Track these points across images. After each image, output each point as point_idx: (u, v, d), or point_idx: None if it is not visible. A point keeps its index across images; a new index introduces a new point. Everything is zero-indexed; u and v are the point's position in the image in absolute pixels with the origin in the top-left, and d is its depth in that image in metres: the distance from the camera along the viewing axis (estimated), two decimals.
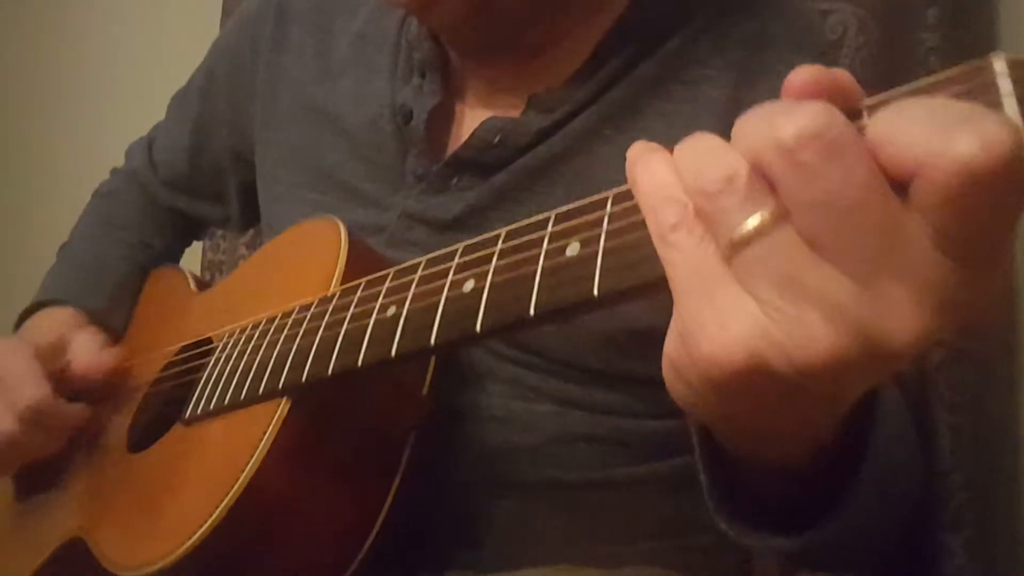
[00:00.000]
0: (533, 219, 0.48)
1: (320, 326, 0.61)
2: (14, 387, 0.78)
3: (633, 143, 0.40)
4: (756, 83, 0.70)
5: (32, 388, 0.77)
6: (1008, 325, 0.98)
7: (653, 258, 0.36)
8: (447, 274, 0.52)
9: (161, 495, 0.68)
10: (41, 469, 0.84)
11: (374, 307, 0.56)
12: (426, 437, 0.66)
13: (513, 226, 0.49)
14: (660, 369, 0.38)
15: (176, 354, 0.80)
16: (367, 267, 0.63)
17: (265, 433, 0.60)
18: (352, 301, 0.59)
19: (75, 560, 0.73)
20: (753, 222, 0.33)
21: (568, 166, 0.71)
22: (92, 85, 1.91)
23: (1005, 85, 0.31)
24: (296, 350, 0.61)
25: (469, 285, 0.49)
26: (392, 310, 0.55)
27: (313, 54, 0.87)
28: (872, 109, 0.34)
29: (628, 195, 0.41)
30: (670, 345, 0.36)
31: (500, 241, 0.49)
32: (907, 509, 0.58)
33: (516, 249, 0.47)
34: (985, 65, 0.32)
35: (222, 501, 0.59)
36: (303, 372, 0.59)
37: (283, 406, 0.61)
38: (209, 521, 0.59)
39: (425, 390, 0.67)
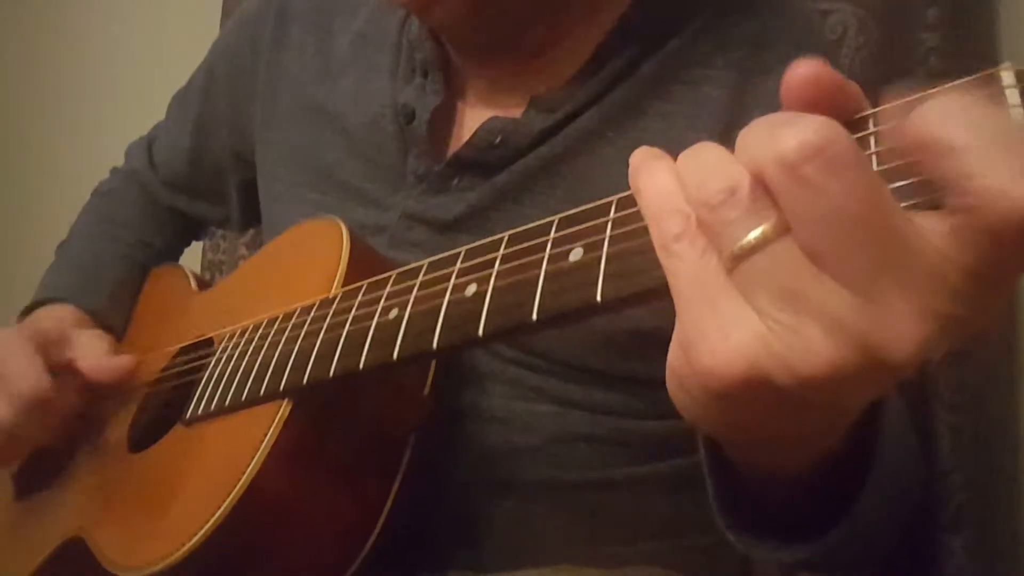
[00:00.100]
0: (536, 224, 0.48)
1: (322, 328, 0.61)
2: (13, 378, 0.77)
3: (635, 147, 0.40)
4: (757, 83, 0.70)
5: (32, 380, 0.77)
6: (1008, 325, 0.99)
7: (656, 265, 0.36)
8: (449, 278, 0.52)
9: (162, 495, 0.68)
10: (41, 468, 0.84)
11: (376, 310, 0.56)
12: (427, 438, 0.66)
13: (516, 230, 0.49)
14: (661, 370, 0.38)
15: (176, 354, 0.80)
16: (369, 268, 0.63)
17: (266, 434, 0.60)
18: (354, 304, 0.59)
19: (75, 560, 0.73)
20: (755, 234, 0.33)
21: (569, 167, 0.71)
22: (92, 85, 1.91)
23: (1013, 97, 0.31)
24: (297, 352, 0.61)
25: (471, 289, 0.49)
26: (394, 313, 0.55)
27: (313, 54, 0.86)
28: (877, 119, 0.34)
29: (631, 201, 0.41)
30: (672, 355, 0.37)
31: (503, 245, 0.49)
32: (908, 511, 0.58)
33: (519, 254, 0.47)
34: (993, 76, 0.32)
35: (223, 502, 0.59)
36: (304, 374, 0.59)
37: (284, 407, 0.61)
38: (210, 522, 0.59)
39: (426, 391, 0.67)
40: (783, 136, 0.32)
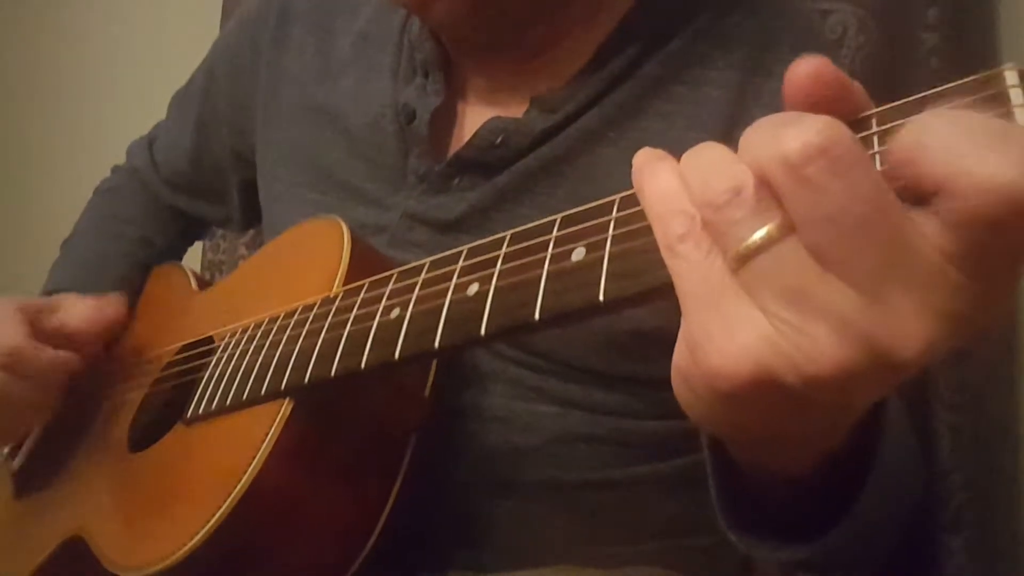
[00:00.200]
0: (538, 223, 0.47)
1: (323, 327, 0.61)
2: None
3: (636, 147, 0.40)
4: (758, 84, 0.70)
5: (9, 336, 0.77)
6: (1008, 325, 0.99)
7: (659, 264, 0.36)
8: (451, 277, 0.51)
9: (162, 495, 0.68)
10: (41, 467, 0.84)
11: (377, 309, 0.56)
12: (428, 438, 0.66)
13: (518, 230, 0.49)
14: (662, 370, 0.38)
15: (177, 353, 0.80)
16: (370, 268, 0.63)
17: (267, 434, 0.60)
18: (355, 303, 0.59)
19: (75, 560, 0.73)
20: (760, 234, 0.33)
21: (571, 167, 0.71)
22: (92, 85, 1.91)
23: (1017, 96, 0.31)
24: (299, 351, 0.61)
25: (473, 289, 0.49)
26: (396, 312, 0.55)
27: (314, 53, 0.86)
28: (880, 119, 0.34)
29: (634, 200, 0.41)
30: (678, 356, 0.37)
31: (505, 245, 0.49)
32: (908, 511, 0.58)
33: (521, 253, 0.47)
34: (997, 76, 0.32)
35: (224, 502, 0.58)
36: (306, 373, 0.59)
37: (285, 407, 0.61)
38: (211, 522, 0.58)
39: (427, 391, 0.67)
40: (787, 136, 0.32)
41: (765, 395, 0.33)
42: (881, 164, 0.34)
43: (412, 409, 0.66)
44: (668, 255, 0.36)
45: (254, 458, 0.59)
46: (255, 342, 0.67)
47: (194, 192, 1.03)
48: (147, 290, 0.98)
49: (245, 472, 0.59)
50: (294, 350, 0.62)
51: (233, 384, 0.66)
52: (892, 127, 0.34)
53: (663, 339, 0.38)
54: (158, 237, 1.04)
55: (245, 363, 0.66)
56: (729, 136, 0.35)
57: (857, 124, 0.34)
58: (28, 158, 1.97)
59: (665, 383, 0.38)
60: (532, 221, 0.48)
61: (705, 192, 0.34)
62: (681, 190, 0.36)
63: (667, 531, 0.75)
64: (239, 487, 0.58)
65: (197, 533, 0.59)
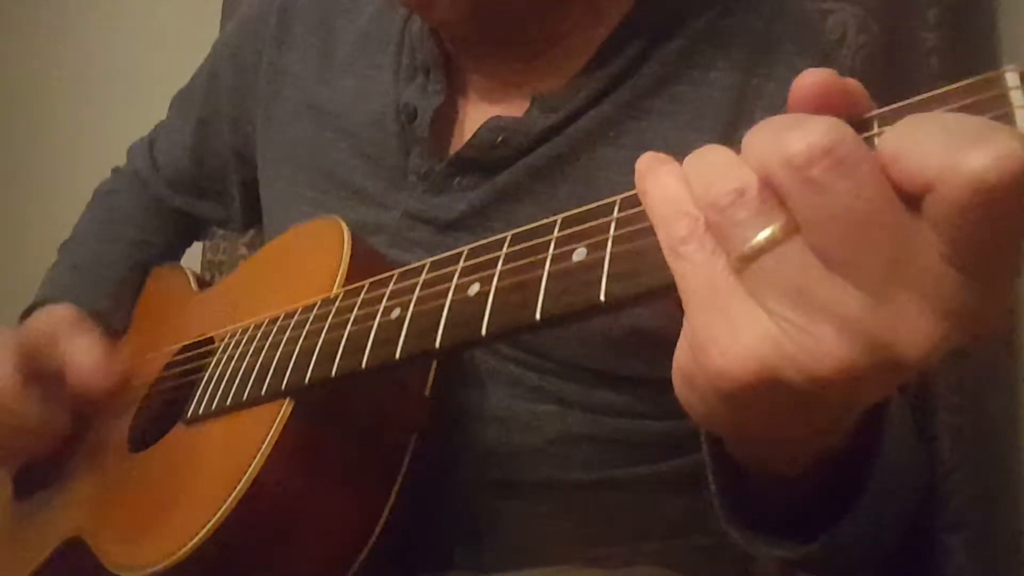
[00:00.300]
0: (539, 223, 0.47)
1: (323, 327, 0.60)
2: None
3: (637, 147, 0.40)
4: (759, 84, 0.69)
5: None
6: (1008, 325, 0.99)
7: (660, 264, 0.36)
8: (452, 277, 0.51)
9: (163, 495, 0.68)
10: (41, 468, 0.84)
11: (378, 309, 0.56)
12: (428, 438, 0.66)
13: (519, 230, 0.49)
14: (662, 370, 0.38)
15: (177, 353, 0.80)
16: (370, 268, 0.63)
17: (268, 434, 0.60)
18: (356, 303, 0.59)
19: (75, 560, 0.73)
20: (764, 235, 0.33)
21: (571, 166, 0.71)
22: (92, 85, 1.90)
23: (1018, 98, 0.31)
24: (299, 351, 0.61)
25: (474, 289, 0.49)
26: (396, 313, 0.55)
27: (316, 53, 0.86)
28: (883, 119, 0.34)
29: (635, 200, 0.41)
30: (681, 356, 0.37)
31: (506, 245, 0.49)
32: (909, 511, 0.58)
33: (522, 253, 0.47)
34: (998, 77, 0.32)
35: (224, 502, 0.58)
36: (306, 373, 0.59)
37: (286, 407, 0.61)
38: (211, 522, 0.58)
39: (427, 391, 0.67)
40: (790, 138, 0.32)
41: (769, 395, 0.33)
42: None
43: (413, 409, 0.66)
44: (672, 257, 0.36)
45: (254, 458, 0.59)
46: (255, 342, 0.67)
47: (195, 192, 1.03)
48: (147, 291, 0.98)
49: (246, 472, 0.59)
50: (294, 350, 0.62)
51: (233, 384, 0.66)
52: None
53: (664, 339, 0.38)
54: (157, 238, 1.04)
55: (245, 363, 0.66)
56: (730, 136, 0.35)
57: (860, 125, 0.35)
58: (28, 159, 1.97)
59: (666, 383, 0.38)
60: (533, 221, 0.48)
61: (709, 194, 0.35)
62: (685, 192, 0.36)
63: (668, 531, 0.75)
64: (239, 487, 0.58)
65: (198, 533, 0.59)
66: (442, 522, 0.70)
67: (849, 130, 0.32)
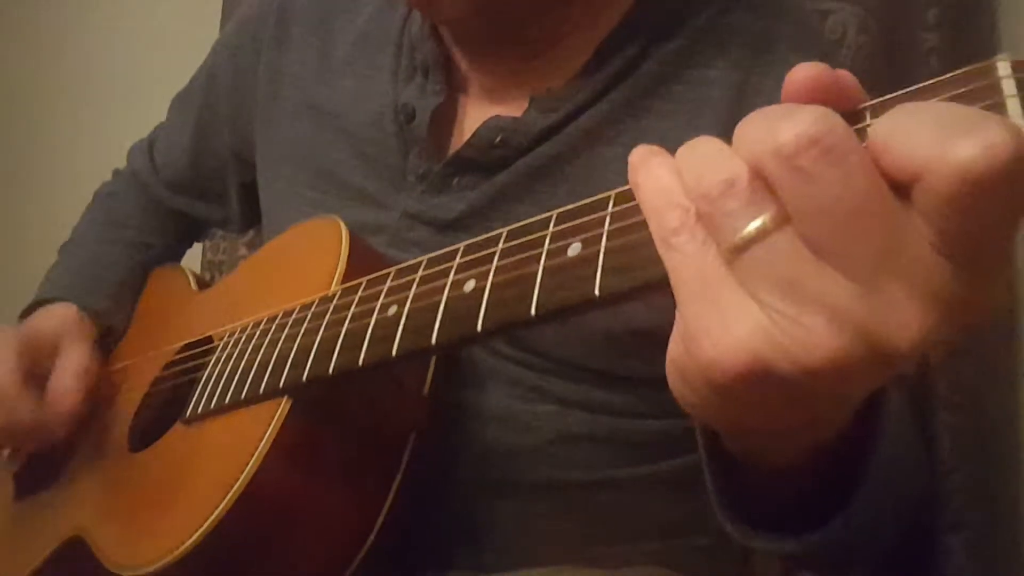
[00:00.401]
0: (534, 219, 0.48)
1: (321, 325, 0.61)
2: None
3: (635, 145, 0.40)
4: (758, 84, 0.70)
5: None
6: (1008, 325, 0.99)
7: (655, 259, 0.36)
8: (448, 274, 0.52)
9: (162, 494, 0.68)
10: (41, 467, 0.84)
11: (375, 306, 0.57)
12: (426, 437, 0.66)
13: (514, 226, 0.49)
14: (661, 369, 0.38)
15: (177, 353, 0.80)
16: (368, 267, 0.63)
17: (266, 432, 0.60)
18: (353, 300, 0.59)
19: (75, 559, 0.73)
20: (755, 225, 0.33)
21: (570, 166, 0.71)
22: (92, 85, 1.91)
23: (1009, 87, 0.31)
24: (297, 349, 0.61)
25: (470, 285, 0.49)
26: (393, 310, 0.55)
27: (315, 53, 0.87)
28: (875, 111, 0.34)
29: (629, 195, 0.41)
30: (673, 348, 0.37)
31: (501, 241, 0.49)
32: (908, 509, 0.58)
33: (517, 249, 0.47)
34: (989, 67, 0.32)
35: (223, 500, 0.59)
36: (304, 371, 0.59)
37: (284, 405, 0.61)
38: (210, 520, 0.59)
39: (426, 390, 0.67)
40: (780, 128, 0.32)
41: (760, 386, 0.33)
42: None
43: (411, 408, 0.66)
44: (663, 248, 0.36)
45: (253, 456, 0.59)
46: (254, 341, 0.67)
47: (194, 193, 1.03)
48: (147, 291, 0.99)
49: (244, 470, 0.59)
50: (292, 348, 0.62)
51: (232, 383, 0.66)
52: None
53: (663, 337, 0.38)
54: (158, 239, 1.04)
55: (244, 362, 0.66)
56: (728, 136, 0.35)
57: (851, 116, 0.35)
58: (28, 159, 1.97)
59: (665, 382, 0.38)
60: None
61: (699, 185, 0.35)
62: (676, 184, 0.36)
63: (667, 531, 0.75)
64: (238, 485, 0.59)
65: (196, 531, 0.59)
66: (441, 522, 0.70)
67: (839, 119, 0.32)
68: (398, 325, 0.53)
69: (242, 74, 0.93)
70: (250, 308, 0.72)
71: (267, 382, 0.62)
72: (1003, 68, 0.31)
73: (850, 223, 0.31)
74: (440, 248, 0.55)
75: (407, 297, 0.54)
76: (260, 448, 0.59)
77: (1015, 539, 0.99)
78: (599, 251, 0.42)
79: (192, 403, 0.70)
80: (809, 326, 0.32)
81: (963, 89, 0.32)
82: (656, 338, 0.39)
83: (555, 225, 0.46)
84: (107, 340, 0.91)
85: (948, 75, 0.33)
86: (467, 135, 0.74)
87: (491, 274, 0.48)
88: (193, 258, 1.43)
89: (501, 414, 0.71)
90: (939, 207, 0.30)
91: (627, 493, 0.73)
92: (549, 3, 0.71)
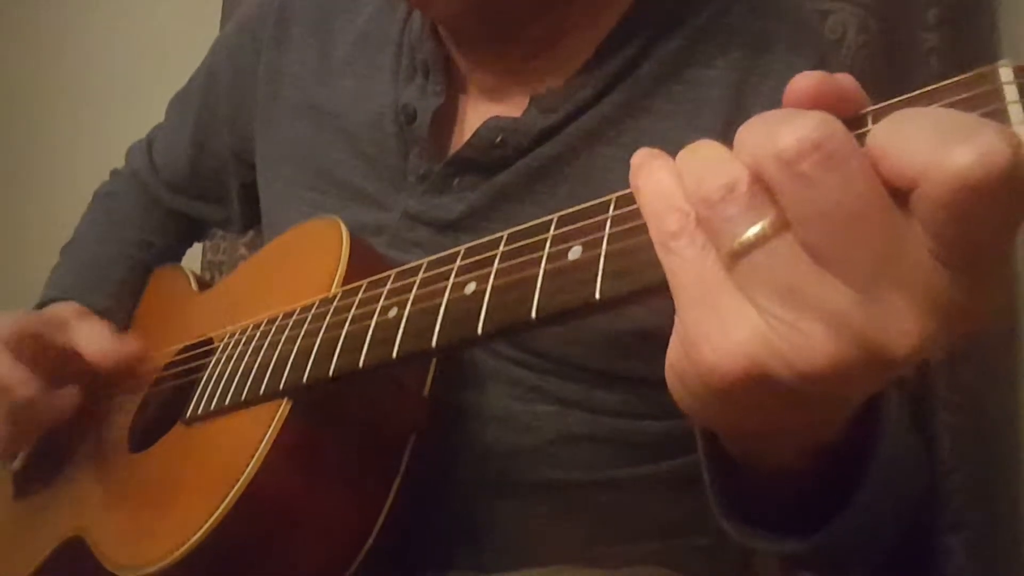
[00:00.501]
0: (535, 222, 0.48)
1: (321, 327, 0.61)
2: None
3: (636, 147, 0.40)
4: (757, 84, 0.70)
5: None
6: (1007, 326, 0.99)
7: (655, 263, 0.36)
8: (449, 276, 0.52)
9: (162, 495, 0.68)
10: (41, 468, 0.84)
11: (375, 308, 0.57)
12: (427, 438, 0.66)
13: (515, 229, 0.49)
14: (662, 369, 0.38)
15: (177, 354, 0.80)
16: (368, 268, 0.63)
17: (266, 434, 0.60)
18: (353, 302, 0.59)
19: (75, 559, 0.73)
20: (754, 231, 0.33)
21: (570, 166, 0.71)
22: (92, 85, 1.91)
23: (1011, 92, 0.31)
24: (297, 351, 0.61)
25: (471, 287, 0.49)
26: (393, 312, 0.55)
27: (314, 54, 0.86)
28: (876, 116, 0.34)
29: (631, 199, 0.41)
30: (672, 352, 0.37)
31: (502, 244, 0.49)
32: (908, 510, 0.58)
33: (518, 252, 0.47)
34: (991, 72, 0.32)
35: (223, 501, 0.59)
36: (304, 373, 0.59)
37: (284, 407, 0.61)
38: (210, 521, 0.59)
39: (426, 391, 0.67)
40: (781, 133, 0.32)
41: (759, 391, 0.33)
42: None
43: (411, 409, 0.66)
44: (662, 252, 0.36)
45: (253, 457, 0.59)
46: (254, 342, 0.67)
47: (194, 193, 1.03)
48: (148, 292, 0.99)
49: (244, 471, 0.59)
50: (292, 350, 0.62)
51: (232, 384, 0.66)
52: None
53: (663, 338, 0.38)
54: (157, 239, 1.04)
55: (244, 363, 0.66)
56: (728, 136, 0.35)
57: (852, 122, 0.35)
58: (28, 159, 1.97)
59: (665, 382, 0.38)
60: (532, 221, 0.48)
61: (699, 189, 0.34)
62: (676, 187, 0.36)
63: (667, 531, 0.75)
64: (238, 486, 0.59)
65: (196, 532, 0.59)
66: (441, 522, 0.70)
67: (839, 125, 0.32)
68: (398, 327, 0.53)
69: (242, 74, 0.93)
70: (250, 309, 0.72)
71: (267, 384, 0.62)
72: (1005, 74, 0.31)
73: (850, 228, 0.31)
74: (440, 248, 0.55)
75: (407, 299, 0.54)
76: (260, 449, 0.59)
77: (1015, 539, 0.99)
78: (600, 255, 0.42)
79: (192, 404, 0.70)
80: (807, 332, 0.32)
81: (965, 94, 0.32)
82: (656, 338, 0.39)
83: (556, 228, 0.46)
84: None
85: (950, 80, 0.33)
86: (467, 135, 0.73)
87: (492, 277, 0.48)
88: (193, 258, 1.43)
89: (501, 414, 0.71)
90: (936, 214, 0.30)
91: (627, 493, 0.73)
92: (548, 3, 0.71)
